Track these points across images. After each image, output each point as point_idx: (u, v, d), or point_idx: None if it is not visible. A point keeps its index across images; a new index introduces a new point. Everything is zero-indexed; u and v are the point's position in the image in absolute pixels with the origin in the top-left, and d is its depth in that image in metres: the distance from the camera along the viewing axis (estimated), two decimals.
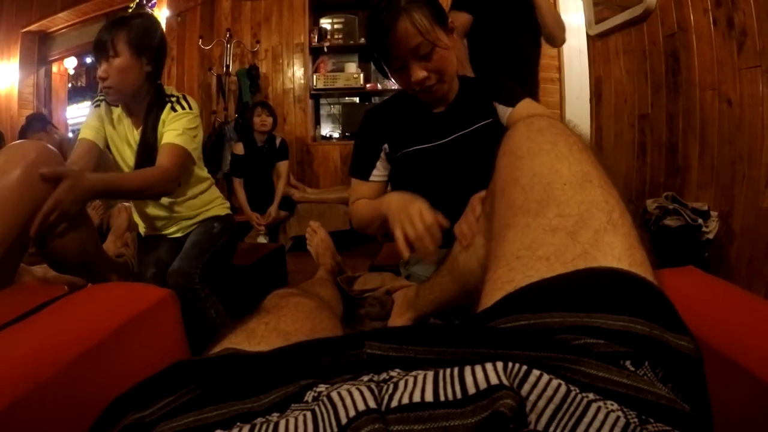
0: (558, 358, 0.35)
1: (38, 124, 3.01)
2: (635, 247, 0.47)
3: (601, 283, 0.43)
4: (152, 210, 1.75)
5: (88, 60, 5.71)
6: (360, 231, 1.36)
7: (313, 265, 1.69)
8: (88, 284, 1.38)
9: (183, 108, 1.62)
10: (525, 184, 0.54)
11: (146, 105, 1.61)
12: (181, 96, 1.66)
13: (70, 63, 5.50)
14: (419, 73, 1.16)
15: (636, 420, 0.31)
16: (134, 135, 1.64)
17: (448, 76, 1.22)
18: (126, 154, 1.66)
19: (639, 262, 0.45)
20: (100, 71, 1.49)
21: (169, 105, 1.62)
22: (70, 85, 5.86)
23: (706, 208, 2.02)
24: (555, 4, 3.67)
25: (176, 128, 1.58)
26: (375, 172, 1.34)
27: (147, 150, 1.59)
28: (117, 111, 1.66)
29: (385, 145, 1.34)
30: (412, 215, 0.95)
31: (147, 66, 1.55)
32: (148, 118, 1.60)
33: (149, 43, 1.55)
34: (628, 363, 0.36)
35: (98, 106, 1.66)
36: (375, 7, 1.17)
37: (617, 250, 0.45)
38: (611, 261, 0.44)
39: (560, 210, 0.49)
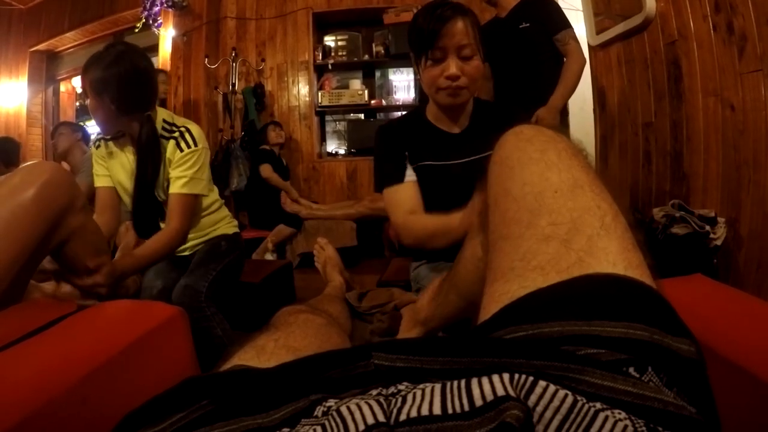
0: (562, 367, 0.35)
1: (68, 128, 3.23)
2: (630, 250, 0.46)
3: (597, 289, 0.42)
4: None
5: None
6: (415, 246, 1.32)
7: (321, 281, 1.70)
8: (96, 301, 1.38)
9: (188, 145, 1.60)
10: (516, 194, 0.54)
11: (137, 139, 1.59)
12: (184, 129, 1.62)
13: (78, 82, 5.58)
14: (455, 69, 1.22)
15: (644, 429, 0.31)
16: (133, 165, 1.65)
17: (473, 87, 1.28)
18: (126, 184, 1.69)
19: (635, 264, 0.45)
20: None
21: (173, 142, 1.60)
22: (77, 103, 5.94)
23: (712, 214, 2.01)
24: None
25: (184, 175, 1.59)
26: (408, 172, 1.33)
27: (143, 187, 1.62)
28: (120, 143, 1.67)
29: (406, 152, 1.35)
30: None
31: (111, 104, 1.50)
32: (141, 156, 1.59)
33: (107, 81, 1.48)
34: (631, 369, 0.35)
35: (98, 147, 1.70)
36: (436, 2, 1.24)
37: (612, 254, 0.45)
38: (606, 266, 0.44)
39: (552, 218, 0.49)
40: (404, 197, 1.31)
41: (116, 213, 1.77)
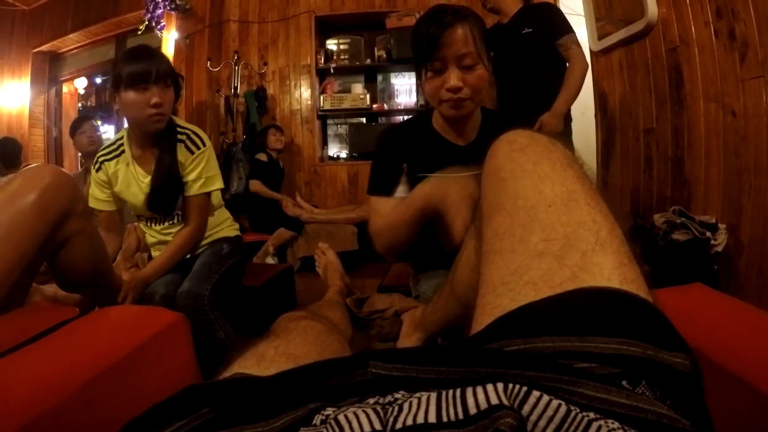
0: (555, 378, 0.35)
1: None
2: (625, 264, 0.45)
3: (590, 303, 0.42)
4: (162, 232, 1.77)
5: (98, 80, 5.83)
6: (385, 251, 1.28)
7: (322, 285, 1.70)
8: (96, 306, 1.39)
9: (197, 146, 1.66)
10: (509, 208, 0.52)
11: (158, 138, 1.63)
12: (191, 131, 1.68)
13: (81, 83, 5.63)
14: (455, 80, 1.16)
15: None
16: (146, 181, 1.66)
17: (478, 97, 1.22)
18: (139, 198, 1.69)
19: (630, 279, 0.44)
20: (157, 98, 1.51)
21: (183, 145, 1.64)
22: (80, 104, 5.97)
23: (713, 220, 2.01)
24: None
25: (198, 176, 1.66)
26: (400, 187, 1.28)
27: (161, 191, 1.64)
28: (122, 160, 1.68)
29: (405, 164, 1.30)
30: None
31: (174, 96, 1.63)
32: (161, 159, 1.62)
33: (174, 73, 1.61)
34: (624, 382, 0.35)
35: (99, 170, 1.70)
36: (437, 7, 1.19)
37: (607, 270, 0.44)
38: (601, 282, 0.43)
39: (546, 234, 0.48)
40: (387, 210, 1.27)
41: (120, 232, 1.86)
